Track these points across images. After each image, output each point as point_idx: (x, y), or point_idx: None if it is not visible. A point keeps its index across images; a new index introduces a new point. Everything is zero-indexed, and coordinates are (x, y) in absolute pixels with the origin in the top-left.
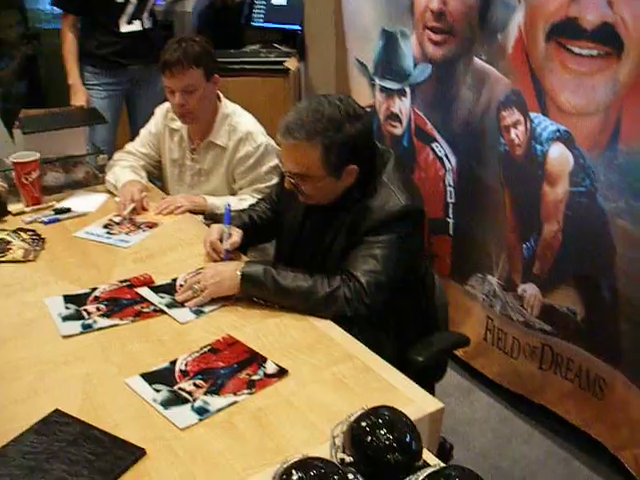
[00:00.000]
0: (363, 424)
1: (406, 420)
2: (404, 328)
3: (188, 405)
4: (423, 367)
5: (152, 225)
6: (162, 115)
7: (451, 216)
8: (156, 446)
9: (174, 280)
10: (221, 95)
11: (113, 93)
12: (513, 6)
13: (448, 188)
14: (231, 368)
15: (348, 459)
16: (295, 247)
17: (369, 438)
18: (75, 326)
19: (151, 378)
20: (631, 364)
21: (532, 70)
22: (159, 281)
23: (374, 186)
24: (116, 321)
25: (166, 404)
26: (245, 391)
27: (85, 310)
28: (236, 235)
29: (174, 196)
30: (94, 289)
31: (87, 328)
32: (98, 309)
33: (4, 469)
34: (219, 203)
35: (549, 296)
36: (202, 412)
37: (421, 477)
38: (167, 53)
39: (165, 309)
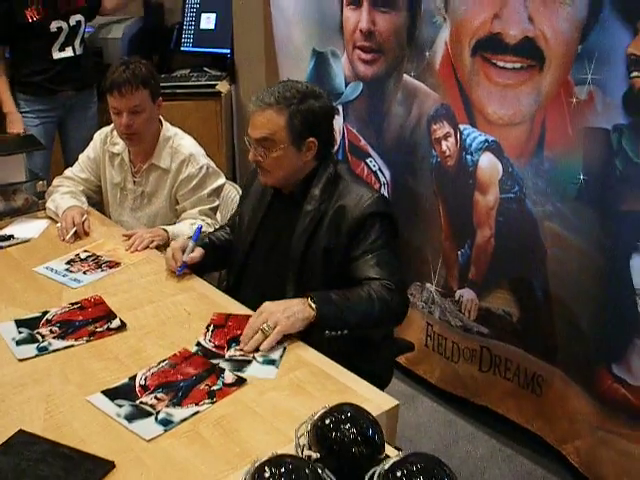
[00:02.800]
0: (327, 421)
1: (367, 415)
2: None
3: (152, 418)
4: (373, 374)
5: (113, 265)
6: (101, 140)
7: None
8: (124, 458)
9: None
10: (162, 118)
11: (46, 120)
12: (439, 24)
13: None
14: (190, 380)
15: (315, 455)
16: (254, 242)
17: (334, 434)
18: (30, 349)
19: (112, 394)
20: (566, 360)
21: (460, 84)
22: (112, 303)
23: (341, 186)
24: (71, 342)
25: (130, 418)
26: (206, 401)
27: (38, 333)
28: (197, 252)
29: (137, 231)
30: (45, 312)
31: (43, 350)
32: (52, 331)
33: None
34: (178, 231)
35: (485, 300)
36: (166, 423)
37: (387, 465)
38: (115, 74)
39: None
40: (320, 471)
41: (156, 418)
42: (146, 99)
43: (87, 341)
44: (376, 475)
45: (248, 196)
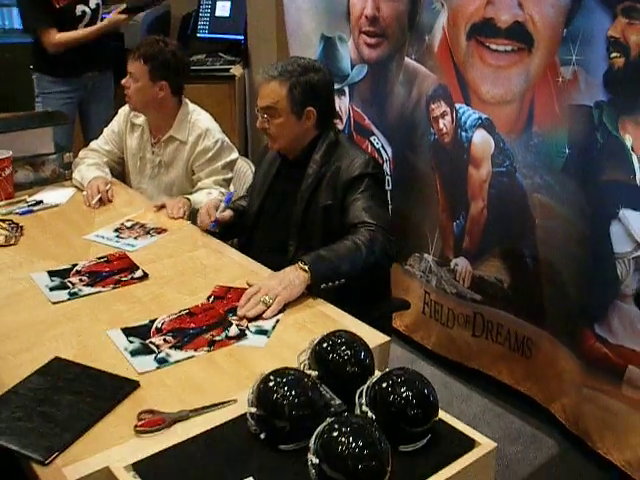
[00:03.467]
0: (324, 344)
1: (360, 340)
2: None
3: (152, 355)
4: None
5: (161, 231)
6: (125, 114)
7: (390, 202)
8: (148, 379)
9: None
10: (184, 98)
11: (68, 100)
12: (438, 10)
13: (386, 177)
14: (200, 329)
15: (314, 374)
16: (264, 204)
17: (330, 355)
18: (62, 294)
19: (129, 331)
20: (553, 322)
21: (456, 66)
22: (134, 257)
23: (339, 151)
24: (99, 288)
25: (134, 353)
26: (205, 349)
27: (69, 281)
28: (227, 213)
29: (166, 201)
30: (74, 265)
31: (73, 295)
32: (81, 280)
33: (18, 401)
34: (198, 200)
35: (478, 268)
36: (162, 362)
37: (374, 379)
38: (141, 42)
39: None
40: (318, 384)
41: (155, 357)
42: (143, 73)
43: (113, 288)
44: (365, 388)
45: (261, 165)
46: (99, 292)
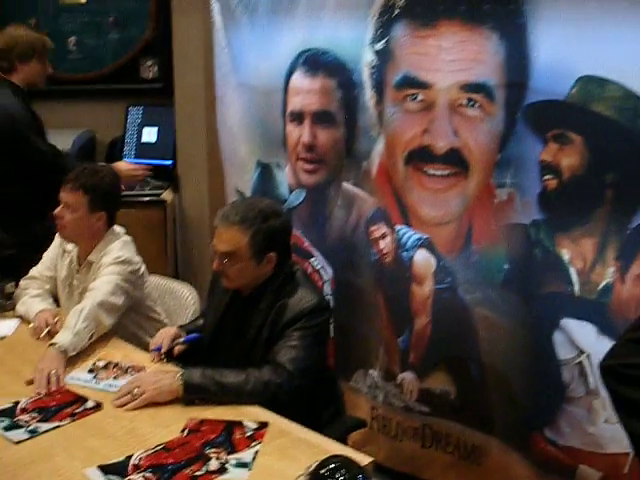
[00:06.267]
0: (322, 470)
1: (355, 464)
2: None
3: None
4: None
5: (140, 369)
6: (61, 239)
7: (332, 320)
8: None
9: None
10: (116, 226)
11: None
12: (374, 138)
13: (327, 296)
14: (179, 464)
15: None
16: (215, 336)
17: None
18: (21, 433)
19: (107, 469)
20: (502, 429)
21: (395, 189)
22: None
23: (291, 286)
24: (57, 423)
25: None
26: None
27: (19, 420)
28: (179, 348)
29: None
30: (17, 402)
31: (34, 433)
32: (32, 417)
33: None
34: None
35: (425, 381)
36: None
37: None
38: (74, 171)
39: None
40: None
41: None
42: (82, 204)
43: (72, 421)
44: None
45: (213, 293)
46: (58, 427)
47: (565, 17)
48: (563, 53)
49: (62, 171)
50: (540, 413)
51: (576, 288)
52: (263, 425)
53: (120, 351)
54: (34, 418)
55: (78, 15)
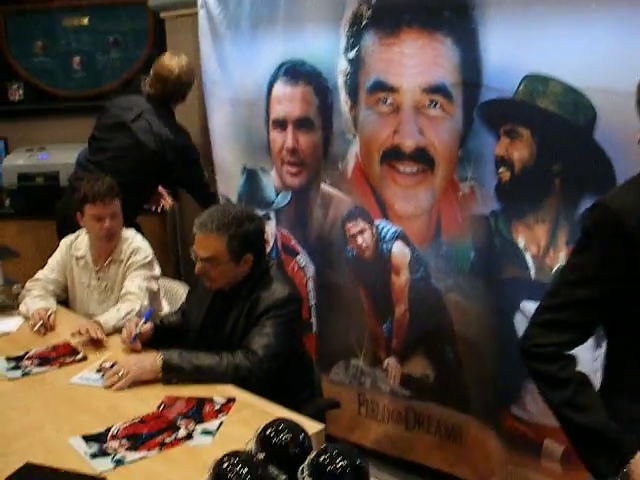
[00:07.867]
0: (268, 431)
1: (299, 426)
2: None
3: (109, 457)
4: None
5: None
6: (67, 246)
7: (314, 315)
8: (114, 477)
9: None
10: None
11: None
12: (349, 140)
13: (310, 292)
14: (151, 433)
15: (261, 456)
16: (201, 331)
17: (275, 439)
18: (106, 462)
19: (89, 438)
20: (477, 408)
21: (372, 187)
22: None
23: (265, 280)
24: (47, 367)
25: (93, 456)
26: (156, 449)
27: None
28: (148, 326)
29: (82, 326)
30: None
31: (119, 463)
32: (32, 362)
33: None
34: (105, 319)
35: (406, 366)
36: (118, 462)
37: (313, 455)
38: (95, 186)
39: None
40: (266, 465)
41: (112, 458)
42: (119, 206)
43: (60, 367)
44: (305, 465)
45: (197, 290)
46: (45, 372)
47: (511, 21)
48: (511, 54)
49: None
50: (507, 392)
51: (532, 272)
52: (231, 400)
53: (126, 352)
54: (33, 363)
55: (82, 36)
